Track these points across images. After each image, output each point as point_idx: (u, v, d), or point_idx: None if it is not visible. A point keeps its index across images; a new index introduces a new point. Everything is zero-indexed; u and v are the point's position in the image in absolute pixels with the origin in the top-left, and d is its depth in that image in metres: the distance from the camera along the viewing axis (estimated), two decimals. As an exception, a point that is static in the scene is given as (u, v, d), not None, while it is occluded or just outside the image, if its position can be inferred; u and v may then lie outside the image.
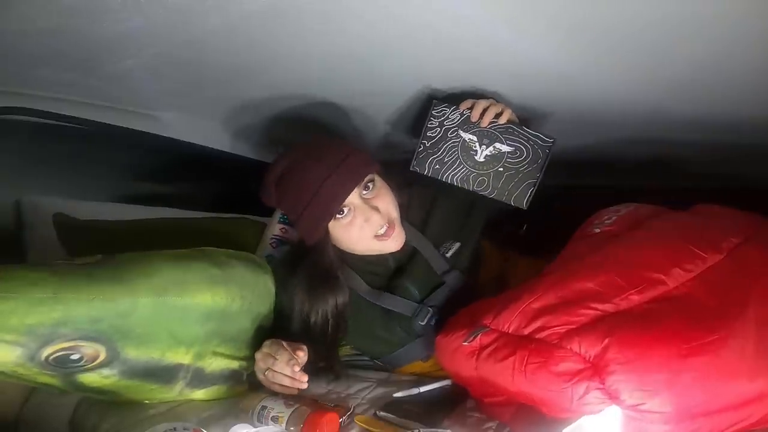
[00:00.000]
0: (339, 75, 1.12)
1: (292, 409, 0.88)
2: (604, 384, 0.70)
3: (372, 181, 1.06)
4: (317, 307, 1.06)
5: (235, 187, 1.79)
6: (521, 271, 1.18)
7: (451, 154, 1.08)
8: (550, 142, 1.04)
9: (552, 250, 1.02)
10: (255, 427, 0.89)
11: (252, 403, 0.92)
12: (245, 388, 1.08)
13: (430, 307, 1.07)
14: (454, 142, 1.08)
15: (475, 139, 1.07)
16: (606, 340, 0.72)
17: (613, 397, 0.70)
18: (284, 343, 0.96)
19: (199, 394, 1.03)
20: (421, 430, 0.82)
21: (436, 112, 1.08)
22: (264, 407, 0.90)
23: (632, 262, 0.84)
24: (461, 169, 1.07)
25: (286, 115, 1.42)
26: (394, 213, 1.07)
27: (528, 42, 0.88)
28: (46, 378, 0.89)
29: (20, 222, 1.37)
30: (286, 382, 0.93)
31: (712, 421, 0.69)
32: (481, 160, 1.06)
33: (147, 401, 1.01)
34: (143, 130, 1.41)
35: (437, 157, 1.08)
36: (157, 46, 1.00)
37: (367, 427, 0.89)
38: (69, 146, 1.38)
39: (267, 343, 0.98)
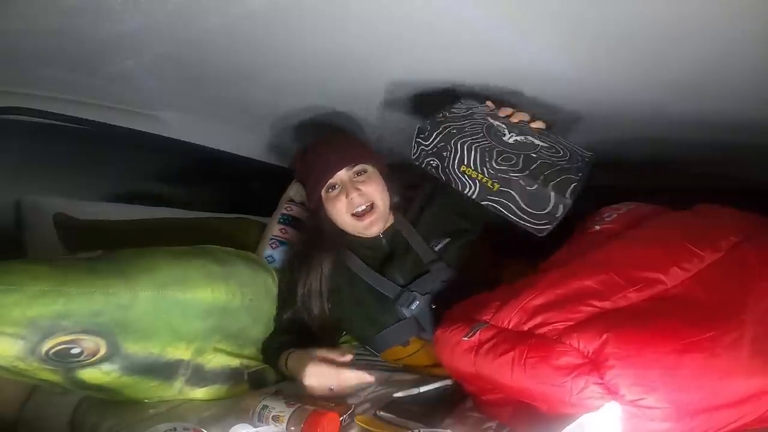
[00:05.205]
0: (339, 75, 1.12)
1: (293, 409, 0.88)
2: (603, 379, 0.71)
3: (365, 171, 1.17)
4: (312, 273, 1.19)
5: (235, 187, 1.80)
6: (516, 272, 1.19)
7: (473, 127, 0.98)
8: (589, 154, 1.02)
9: (548, 250, 1.02)
10: (255, 426, 0.89)
11: (252, 403, 0.92)
12: (246, 387, 1.08)
13: (413, 292, 1.13)
14: (479, 122, 0.99)
15: (504, 126, 0.99)
16: (604, 336, 0.72)
17: (612, 392, 0.70)
18: (324, 356, 1.02)
19: (199, 393, 1.03)
20: (421, 430, 0.82)
21: (465, 102, 1.06)
22: (265, 407, 0.90)
23: (631, 261, 0.85)
24: (484, 141, 0.96)
25: (287, 115, 1.42)
26: (378, 201, 1.16)
27: (529, 43, 0.88)
28: (46, 374, 0.89)
29: (20, 222, 1.37)
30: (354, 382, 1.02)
31: (711, 418, 0.69)
32: (511, 142, 0.96)
33: (147, 400, 1.01)
34: (144, 130, 1.41)
35: (457, 125, 0.98)
36: (158, 46, 1.00)
37: (367, 426, 0.89)
38: (69, 146, 1.39)
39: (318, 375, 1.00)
